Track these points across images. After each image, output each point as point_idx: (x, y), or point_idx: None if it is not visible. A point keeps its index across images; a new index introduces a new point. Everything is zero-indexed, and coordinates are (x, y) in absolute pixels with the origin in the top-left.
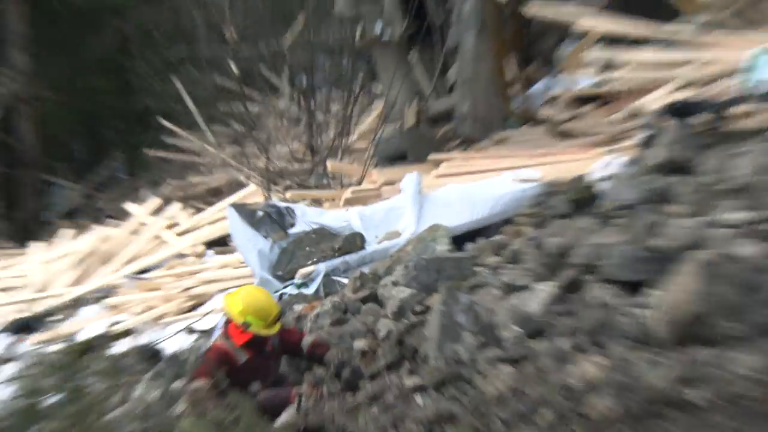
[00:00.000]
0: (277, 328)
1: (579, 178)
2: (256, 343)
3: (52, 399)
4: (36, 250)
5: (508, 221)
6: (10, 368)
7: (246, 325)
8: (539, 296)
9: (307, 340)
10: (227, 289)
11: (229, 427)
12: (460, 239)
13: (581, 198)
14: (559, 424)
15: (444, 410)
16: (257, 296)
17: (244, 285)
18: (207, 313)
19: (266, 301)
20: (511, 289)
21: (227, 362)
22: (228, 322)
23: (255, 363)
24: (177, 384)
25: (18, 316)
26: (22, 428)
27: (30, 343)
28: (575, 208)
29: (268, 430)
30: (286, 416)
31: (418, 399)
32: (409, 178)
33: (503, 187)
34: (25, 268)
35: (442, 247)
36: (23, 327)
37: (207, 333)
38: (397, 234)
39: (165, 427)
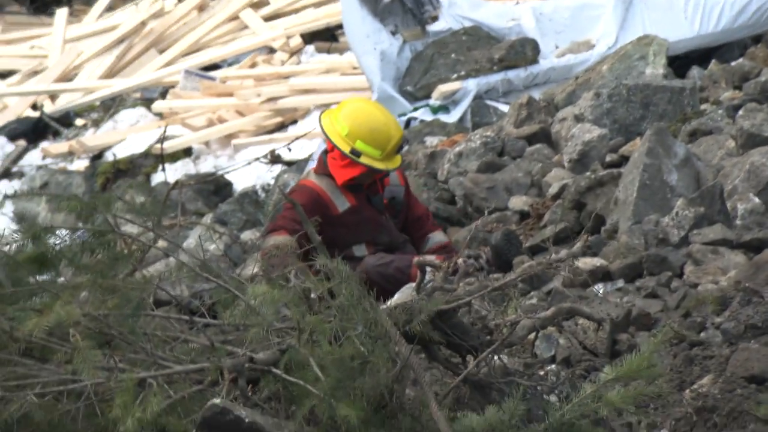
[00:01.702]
0: (397, 162)
1: None
2: (364, 185)
3: (66, 239)
4: (59, 21)
5: (757, 39)
6: (11, 187)
7: (355, 154)
8: None
9: (438, 236)
10: (330, 104)
11: (319, 303)
12: (681, 60)
13: None
14: None
15: (637, 308)
16: (371, 113)
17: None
18: (300, 136)
19: (384, 120)
20: (754, 140)
21: (320, 210)
22: (326, 151)
23: (361, 215)
24: (249, 234)
25: (28, 113)
26: (24, 275)
27: (42, 153)
28: None
29: (376, 311)
30: (402, 295)
31: (599, 288)
32: None
33: None
34: (44, 47)
35: (655, 70)
36: (34, 130)
37: (298, 165)
38: (589, 45)
39: (227, 291)
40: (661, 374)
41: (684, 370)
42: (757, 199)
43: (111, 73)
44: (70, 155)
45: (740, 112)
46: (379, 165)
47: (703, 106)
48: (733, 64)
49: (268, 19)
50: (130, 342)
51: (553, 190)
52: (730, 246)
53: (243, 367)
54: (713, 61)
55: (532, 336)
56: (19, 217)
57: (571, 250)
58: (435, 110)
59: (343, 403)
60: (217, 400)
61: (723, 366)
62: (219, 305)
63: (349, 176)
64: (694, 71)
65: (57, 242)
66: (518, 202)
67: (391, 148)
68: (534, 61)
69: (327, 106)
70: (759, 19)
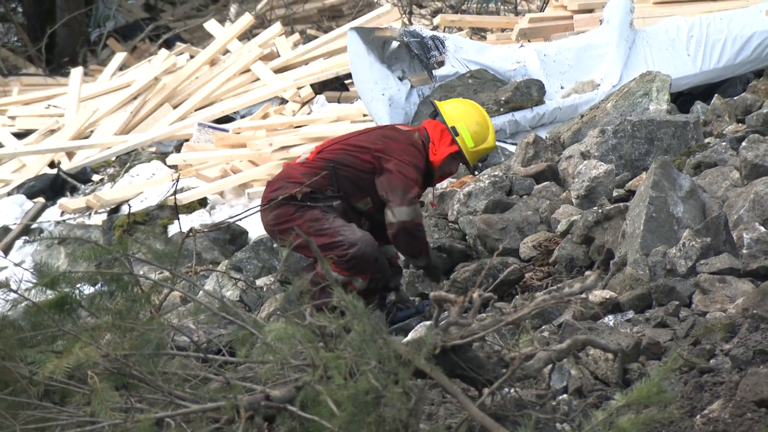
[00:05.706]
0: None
1: None
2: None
3: (85, 290)
4: (74, 80)
5: (759, 73)
6: (29, 246)
7: (454, 132)
8: None
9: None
10: None
11: (333, 337)
12: (685, 97)
13: None
14: None
15: (646, 337)
16: (481, 112)
17: None
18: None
19: (487, 125)
20: (758, 171)
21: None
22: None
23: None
24: (264, 280)
25: (45, 171)
26: (45, 320)
27: (60, 209)
28: None
29: (390, 346)
30: (416, 333)
31: (609, 320)
32: (615, 2)
33: (755, 23)
34: (59, 106)
35: (659, 106)
36: (52, 187)
37: None
38: (593, 84)
39: (244, 332)
40: (671, 400)
41: (694, 396)
42: (762, 228)
43: (126, 129)
44: (87, 210)
45: (743, 144)
46: (466, 154)
47: (707, 140)
48: (735, 98)
49: (279, 71)
50: (149, 382)
51: (562, 226)
52: (737, 274)
53: (259, 404)
54: (716, 95)
55: (547, 368)
56: (39, 271)
57: (584, 283)
58: None
59: None
60: None
61: (733, 391)
62: (237, 343)
63: (445, 155)
64: (698, 106)
65: (77, 286)
66: (528, 239)
67: (482, 148)
68: (540, 101)
69: None
70: (760, 55)
